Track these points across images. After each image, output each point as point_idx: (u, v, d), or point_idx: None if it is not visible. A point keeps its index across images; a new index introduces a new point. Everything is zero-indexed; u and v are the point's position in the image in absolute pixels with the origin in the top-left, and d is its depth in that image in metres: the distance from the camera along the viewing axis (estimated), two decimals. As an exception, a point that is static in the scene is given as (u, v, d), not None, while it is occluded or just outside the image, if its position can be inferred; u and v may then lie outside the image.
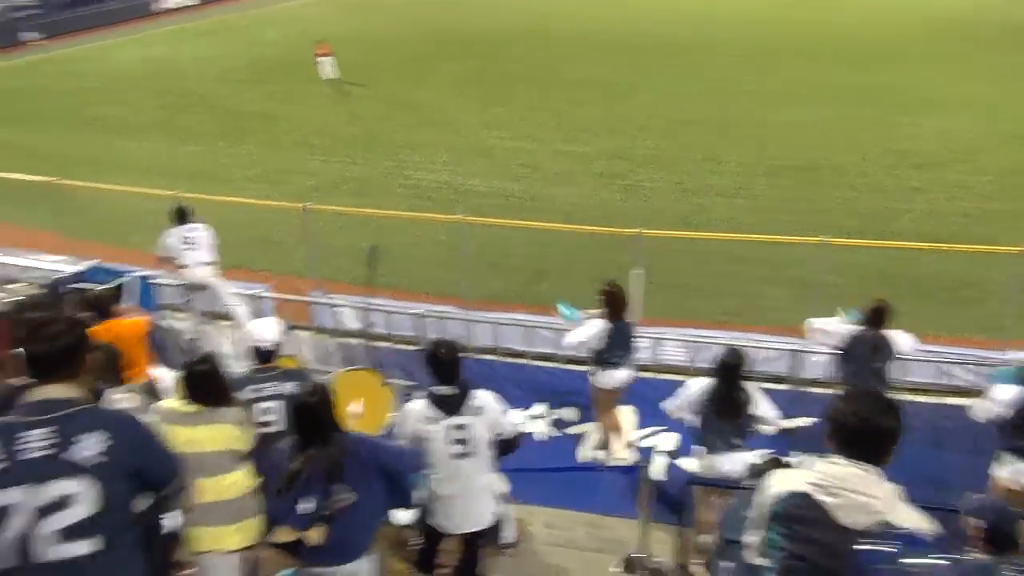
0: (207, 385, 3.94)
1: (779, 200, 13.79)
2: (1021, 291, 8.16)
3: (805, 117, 18.59)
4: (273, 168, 16.13)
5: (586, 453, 6.76)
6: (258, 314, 8.34)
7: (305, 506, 3.52)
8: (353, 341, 8.16)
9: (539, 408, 7.09)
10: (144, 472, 2.43)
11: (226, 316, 8.57)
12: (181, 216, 8.51)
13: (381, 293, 9.02)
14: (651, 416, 6.87)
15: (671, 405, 5.63)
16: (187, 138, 18.44)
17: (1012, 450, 5.16)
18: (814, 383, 7.63)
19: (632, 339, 6.55)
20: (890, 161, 15.62)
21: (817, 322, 6.45)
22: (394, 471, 3.70)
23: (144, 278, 7.96)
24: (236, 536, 3.93)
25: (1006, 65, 23.18)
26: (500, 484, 5.16)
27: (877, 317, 6.04)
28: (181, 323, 8.32)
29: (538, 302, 10.47)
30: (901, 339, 6.16)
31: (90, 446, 2.19)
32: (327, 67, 23.05)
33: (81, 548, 2.18)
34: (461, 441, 4.13)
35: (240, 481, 3.92)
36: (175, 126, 19.60)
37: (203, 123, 19.78)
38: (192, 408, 3.89)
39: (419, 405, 4.25)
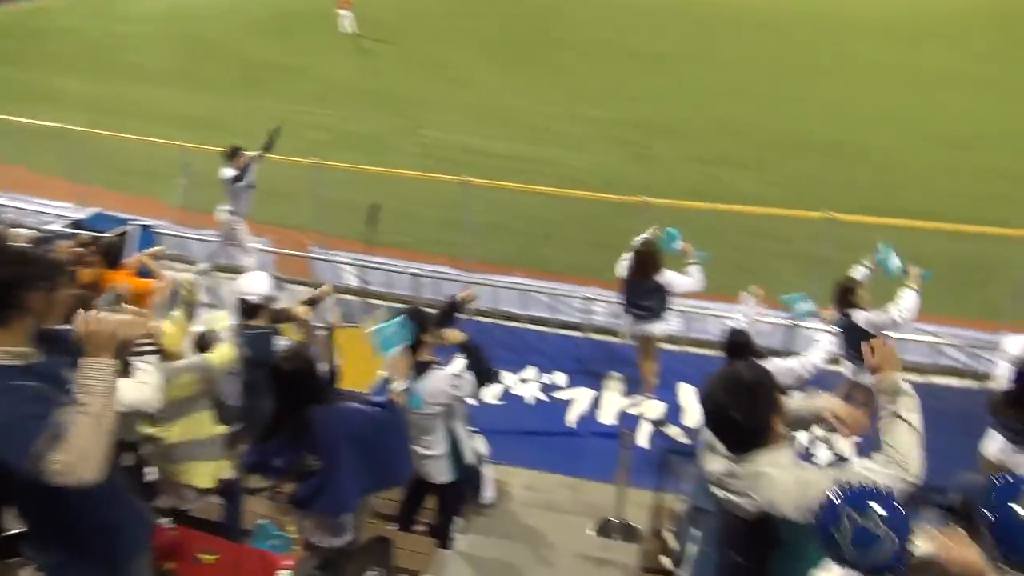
0: None
1: (800, 176, 13.57)
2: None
3: (841, 94, 18.17)
4: (286, 121, 15.99)
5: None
6: (261, 268, 8.43)
7: (277, 462, 3.61)
8: (351, 298, 8.22)
9: (529, 372, 7.13)
10: None
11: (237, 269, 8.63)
12: (227, 156, 8.50)
13: (382, 251, 9.03)
14: (640, 384, 6.88)
15: None
16: (204, 87, 18.43)
17: (1001, 427, 5.11)
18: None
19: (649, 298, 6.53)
20: (917, 139, 15.32)
21: None
22: (373, 447, 3.70)
23: (146, 227, 8.02)
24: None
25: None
26: (479, 445, 5.24)
27: (841, 298, 6.01)
28: (182, 275, 8.39)
29: (540, 266, 10.48)
30: (871, 318, 6.04)
31: None
32: (346, 22, 22.96)
33: None
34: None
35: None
36: (194, 75, 19.59)
37: (221, 73, 19.75)
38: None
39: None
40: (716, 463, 2.49)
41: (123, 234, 7.40)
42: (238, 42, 22.91)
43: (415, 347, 4.21)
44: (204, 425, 4.07)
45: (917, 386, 6.85)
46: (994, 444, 5.10)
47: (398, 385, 4.00)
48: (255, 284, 4.78)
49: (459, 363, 4.38)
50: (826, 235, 8.21)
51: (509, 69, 20.06)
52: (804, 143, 15.05)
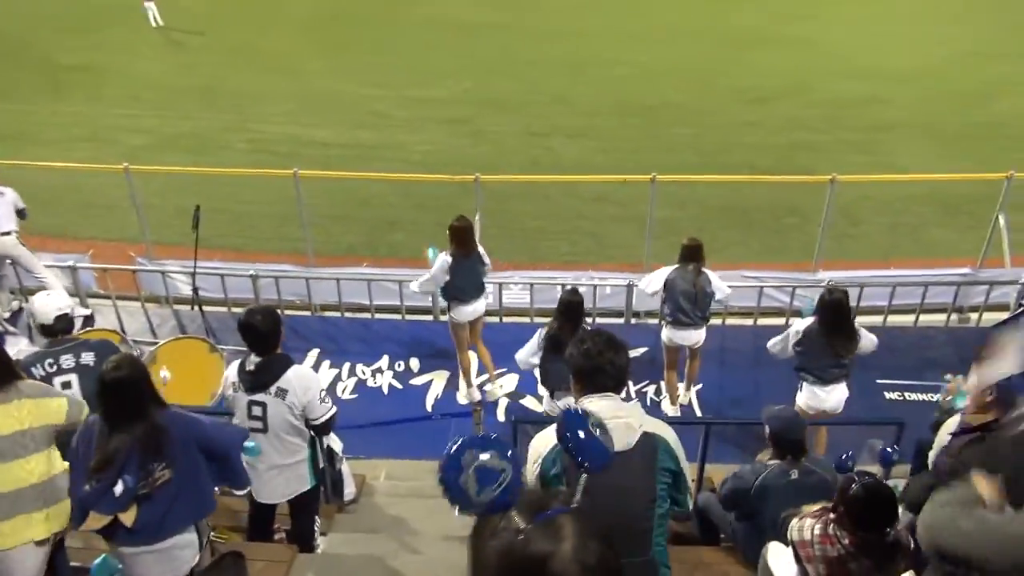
0: None
1: (625, 139, 14.16)
2: (837, 216, 8.84)
3: (651, 57, 19.04)
4: (100, 126, 14.95)
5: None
6: (78, 287, 7.82)
7: (120, 487, 3.32)
8: (185, 308, 7.79)
9: (382, 362, 7.06)
10: None
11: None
12: None
13: (218, 255, 8.62)
14: (496, 359, 6.98)
15: (522, 356, 5.59)
16: (-2, 95, 16.72)
17: (803, 375, 5.59)
18: (649, 315, 8.01)
19: (476, 275, 6.50)
20: (728, 97, 16.32)
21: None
22: (217, 448, 3.55)
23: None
24: (43, 525, 3.66)
25: (837, 1, 24.61)
26: (334, 443, 5.15)
27: (689, 254, 6.27)
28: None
29: (391, 254, 10.37)
30: (718, 283, 6.37)
31: None
32: (153, 14, 21.55)
33: None
34: (258, 418, 3.99)
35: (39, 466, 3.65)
36: (-18, 82, 17.71)
37: (16, 77, 17.92)
38: None
39: (232, 371, 4.11)
40: (593, 403, 2.66)
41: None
42: (33, 41, 20.88)
43: (274, 344, 4.01)
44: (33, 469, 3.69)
45: (745, 329, 7.40)
46: (800, 396, 5.60)
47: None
48: (50, 304, 4.45)
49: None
50: (657, 196, 8.59)
51: (328, 53, 19.50)
52: (625, 108, 15.70)
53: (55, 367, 4.30)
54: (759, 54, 19.29)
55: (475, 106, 15.76)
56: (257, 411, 3.97)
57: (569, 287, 5.98)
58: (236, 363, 4.11)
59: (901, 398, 6.58)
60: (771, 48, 19.78)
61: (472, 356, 6.89)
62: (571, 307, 5.39)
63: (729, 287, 6.55)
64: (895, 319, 7.55)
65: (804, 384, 5.62)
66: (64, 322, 4.48)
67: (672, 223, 9.89)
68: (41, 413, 3.60)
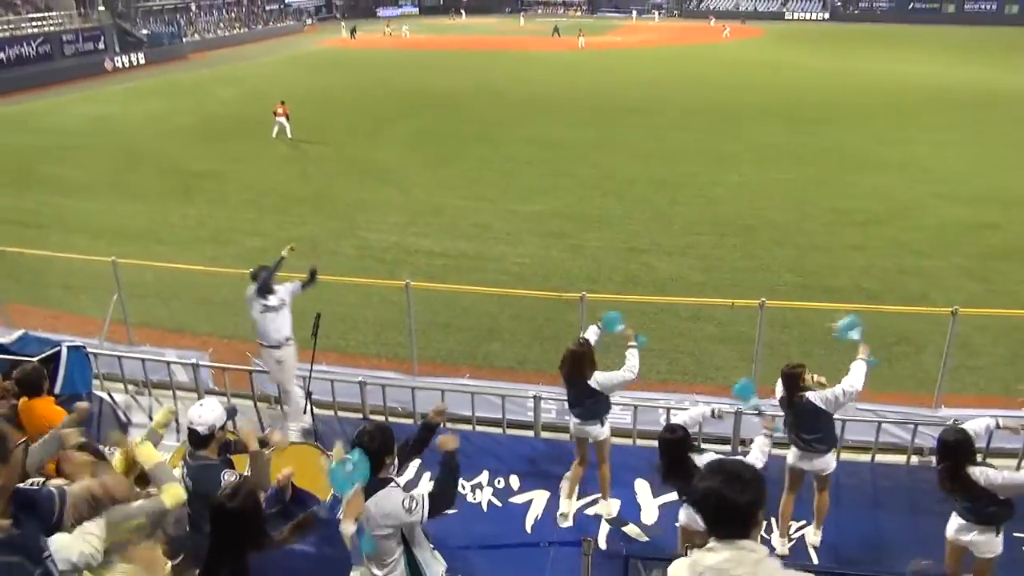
0: None
1: (724, 258, 14.09)
2: (955, 348, 8.41)
3: (751, 177, 19.19)
4: (221, 228, 16.01)
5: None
6: (198, 383, 8.18)
7: None
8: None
9: (482, 476, 6.99)
10: None
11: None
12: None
13: (326, 359, 8.88)
14: (593, 482, 6.80)
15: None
16: (135, 197, 18.22)
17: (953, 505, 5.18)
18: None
19: (582, 397, 6.40)
20: (830, 219, 16.13)
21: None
22: None
23: (78, 347, 7.71)
24: None
25: (940, 127, 24.43)
26: (438, 565, 5.07)
27: (791, 384, 6.03)
28: (119, 395, 8.10)
29: (487, 364, 10.47)
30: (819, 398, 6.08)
31: None
32: (283, 126, 23.40)
33: None
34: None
35: None
36: (123, 185, 19.38)
37: (152, 182, 19.60)
38: None
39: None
40: (714, 554, 2.53)
41: (48, 358, 7.09)
42: (166, 151, 22.88)
43: (375, 467, 4.10)
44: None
45: (862, 465, 6.98)
46: (951, 524, 5.19)
47: (347, 528, 3.90)
48: (204, 413, 4.63)
49: (423, 486, 4.29)
50: (761, 318, 8.42)
51: (433, 167, 20.56)
52: (724, 227, 15.68)
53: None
54: (861, 176, 19.16)
55: (573, 221, 16.09)
56: None
57: (669, 424, 5.72)
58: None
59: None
60: (874, 171, 19.64)
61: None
62: (670, 445, 5.21)
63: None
64: (1033, 465, 7.00)
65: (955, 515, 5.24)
66: (198, 439, 4.62)
67: (776, 346, 9.66)
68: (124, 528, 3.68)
